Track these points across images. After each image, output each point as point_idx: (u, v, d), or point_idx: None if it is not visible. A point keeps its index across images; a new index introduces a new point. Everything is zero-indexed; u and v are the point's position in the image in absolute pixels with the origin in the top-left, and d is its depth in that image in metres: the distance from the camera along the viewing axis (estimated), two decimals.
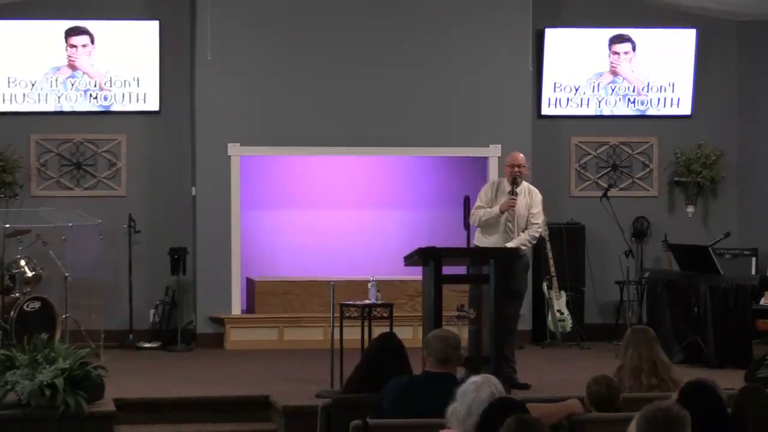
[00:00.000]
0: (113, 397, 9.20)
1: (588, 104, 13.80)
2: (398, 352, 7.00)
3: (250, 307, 12.98)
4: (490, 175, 12.81)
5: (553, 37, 13.61)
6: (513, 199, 10.23)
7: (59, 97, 12.91)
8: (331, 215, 13.65)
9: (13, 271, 11.79)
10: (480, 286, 9.55)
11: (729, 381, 7.69)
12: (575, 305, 13.18)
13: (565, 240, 13.34)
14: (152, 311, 13.00)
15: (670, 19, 13.85)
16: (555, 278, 13.03)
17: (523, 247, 10.26)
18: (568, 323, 13.02)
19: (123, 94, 12.98)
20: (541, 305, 13.16)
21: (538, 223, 10.41)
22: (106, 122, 13.08)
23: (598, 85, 13.79)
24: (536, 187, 10.56)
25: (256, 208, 13.35)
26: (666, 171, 14.02)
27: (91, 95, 12.96)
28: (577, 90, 13.76)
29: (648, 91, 13.86)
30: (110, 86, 12.96)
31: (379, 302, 9.94)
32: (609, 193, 13.41)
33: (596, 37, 13.73)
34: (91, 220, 12.20)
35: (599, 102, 13.82)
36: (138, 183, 13.16)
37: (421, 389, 6.21)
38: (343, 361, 9.46)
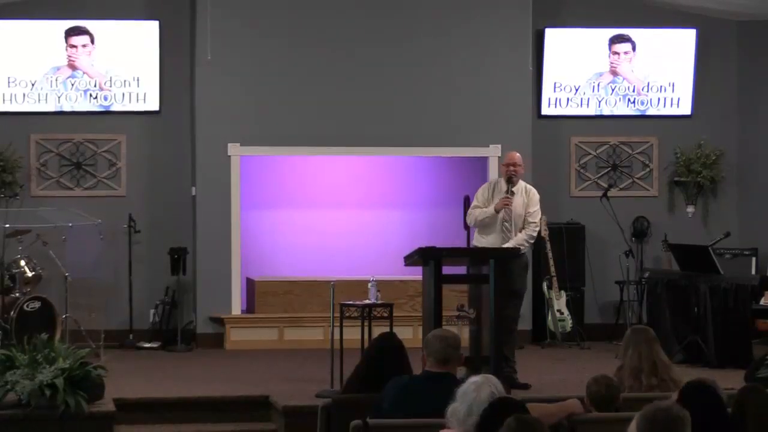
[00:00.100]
0: (113, 397, 9.20)
1: (588, 104, 13.79)
2: (398, 352, 7.00)
3: (250, 307, 12.98)
4: (490, 175, 12.79)
5: (553, 37, 13.61)
6: (508, 197, 10.22)
7: (59, 97, 12.90)
8: (331, 215, 13.65)
9: (13, 271, 11.79)
10: (480, 286, 9.54)
11: (729, 381, 7.69)
12: (575, 305, 13.17)
13: (565, 240, 13.34)
14: (152, 311, 13.00)
15: (670, 19, 13.85)
16: (555, 278, 13.02)
17: (522, 247, 10.24)
18: (568, 323, 13.01)
19: (123, 94, 12.98)
20: (541, 305, 13.16)
21: (535, 222, 10.38)
22: (106, 122, 13.08)
23: (598, 85, 13.79)
24: (536, 187, 10.55)
25: (256, 208, 13.35)
26: (666, 171, 14.02)
27: (91, 95, 12.95)
28: (577, 90, 13.75)
29: (648, 91, 13.86)
30: (110, 86, 12.96)
31: (379, 302, 9.93)
32: (609, 193, 13.40)
33: (596, 37, 13.73)
34: (91, 220, 12.20)
35: (599, 102, 13.82)
36: (138, 183, 13.16)
37: (421, 389, 6.21)
38: (343, 361, 9.45)
